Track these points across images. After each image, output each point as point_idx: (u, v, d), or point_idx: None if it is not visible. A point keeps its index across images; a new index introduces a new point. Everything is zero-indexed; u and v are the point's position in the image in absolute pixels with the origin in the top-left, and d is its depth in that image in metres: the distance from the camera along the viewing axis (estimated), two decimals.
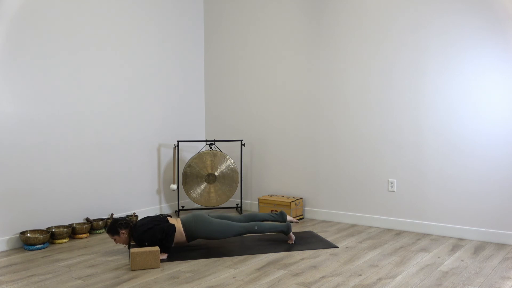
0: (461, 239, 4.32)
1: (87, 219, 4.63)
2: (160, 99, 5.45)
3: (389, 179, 4.75)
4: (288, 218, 4.35)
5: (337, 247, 4.07)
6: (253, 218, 4.21)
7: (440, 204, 4.46)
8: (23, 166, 4.16)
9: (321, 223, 5.00)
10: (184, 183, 5.36)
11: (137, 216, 4.99)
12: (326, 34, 5.07)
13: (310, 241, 4.25)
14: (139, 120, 5.21)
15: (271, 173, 5.54)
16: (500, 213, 4.18)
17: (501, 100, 4.14)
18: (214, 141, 5.42)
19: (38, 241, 4.04)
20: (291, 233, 4.14)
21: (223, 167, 5.42)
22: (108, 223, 4.74)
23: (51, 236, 4.24)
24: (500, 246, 4.09)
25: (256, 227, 4.02)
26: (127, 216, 4.92)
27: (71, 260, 3.75)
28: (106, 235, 4.55)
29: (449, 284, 3.18)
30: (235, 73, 5.77)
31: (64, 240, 4.29)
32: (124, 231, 3.78)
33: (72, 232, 4.43)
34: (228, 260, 3.72)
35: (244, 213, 5.55)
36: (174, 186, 5.33)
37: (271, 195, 5.39)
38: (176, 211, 5.53)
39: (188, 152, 5.84)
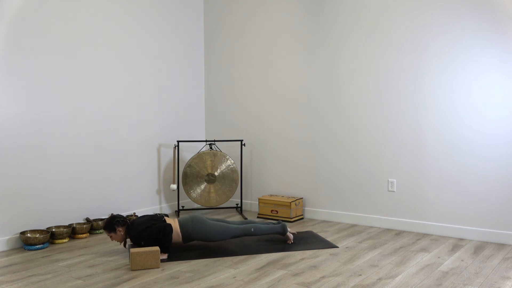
0: (461, 239, 4.32)
1: (87, 219, 4.63)
2: (160, 99, 5.45)
3: (389, 179, 4.75)
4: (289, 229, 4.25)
5: (337, 247, 4.07)
6: (251, 223, 4.14)
7: (440, 204, 4.46)
8: (23, 166, 4.16)
9: (321, 223, 5.00)
10: (184, 183, 5.36)
11: (136, 216, 4.99)
12: (326, 34, 5.07)
13: (310, 241, 4.25)
14: (139, 120, 5.21)
15: (271, 173, 5.54)
16: (500, 213, 4.18)
17: (501, 100, 4.14)
18: (214, 141, 5.42)
19: (38, 241, 4.04)
20: (288, 233, 4.13)
21: (223, 167, 5.42)
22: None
23: (51, 236, 4.24)
24: (500, 246, 4.09)
25: (252, 229, 4.02)
26: (127, 216, 4.92)
27: (71, 260, 3.75)
28: (106, 235, 4.55)
29: (449, 284, 3.18)
30: (235, 73, 5.77)
31: (64, 240, 4.29)
32: (120, 229, 3.78)
33: (72, 232, 4.43)
34: (228, 260, 3.72)
35: (244, 213, 5.55)
36: (174, 186, 5.33)
37: (271, 195, 5.39)
38: (176, 211, 5.53)
39: (188, 152, 5.84)
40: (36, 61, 4.24)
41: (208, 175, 5.40)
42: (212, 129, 6.01)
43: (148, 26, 5.28)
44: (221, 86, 5.90)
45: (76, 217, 4.61)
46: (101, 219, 4.69)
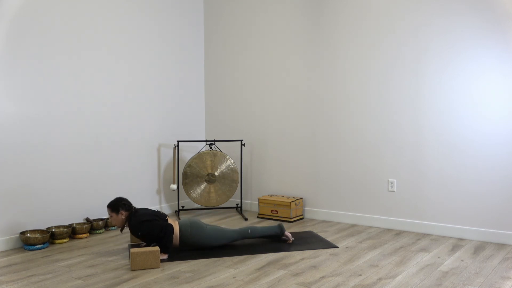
0: (461, 239, 4.32)
1: (87, 219, 4.63)
2: (160, 99, 5.45)
3: (389, 179, 4.75)
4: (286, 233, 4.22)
5: (337, 247, 4.07)
6: (246, 229, 4.13)
7: (440, 204, 4.46)
8: (23, 166, 4.16)
9: (321, 223, 5.00)
10: (184, 183, 5.36)
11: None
12: (326, 34, 5.07)
13: (310, 241, 4.25)
14: (139, 120, 5.21)
15: (271, 173, 5.54)
16: (500, 213, 4.18)
17: (501, 100, 4.14)
18: (214, 141, 5.41)
19: (38, 241, 4.04)
20: (286, 232, 4.14)
21: (223, 167, 5.42)
22: (108, 223, 4.74)
23: (51, 236, 4.24)
24: (500, 246, 4.09)
25: (250, 231, 4.04)
26: None
27: (71, 260, 3.75)
28: (106, 235, 4.55)
29: (449, 284, 3.18)
30: (235, 73, 5.77)
31: (64, 240, 4.29)
32: (123, 212, 3.79)
33: (72, 232, 4.43)
34: (228, 260, 3.72)
35: (244, 213, 5.56)
36: (174, 186, 5.33)
37: (271, 195, 5.39)
38: (176, 211, 5.53)
39: (188, 152, 5.84)
40: (36, 61, 4.24)
41: (208, 175, 5.40)
42: (212, 129, 6.01)
43: (148, 27, 5.28)
44: (221, 86, 5.90)
45: (76, 217, 4.61)
46: (101, 219, 4.69)
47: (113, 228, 4.78)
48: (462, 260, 3.69)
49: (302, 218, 5.24)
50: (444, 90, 4.40)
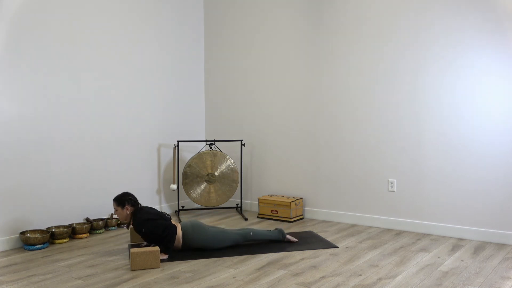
0: (461, 239, 4.32)
1: (87, 219, 4.63)
2: (160, 99, 5.45)
3: (389, 179, 4.75)
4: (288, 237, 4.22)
5: (337, 247, 4.07)
6: (248, 232, 4.13)
7: (440, 204, 4.46)
8: (23, 166, 4.16)
9: (321, 223, 5.00)
10: (184, 183, 5.36)
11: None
12: (327, 35, 5.07)
13: (310, 241, 4.25)
14: (139, 120, 5.21)
15: (271, 173, 5.54)
16: (500, 213, 4.18)
17: (501, 100, 4.14)
18: (214, 141, 5.41)
19: (38, 241, 4.04)
20: (287, 236, 4.15)
21: (223, 167, 5.42)
22: (109, 223, 4.74)
23: (51, 236, 4.24)
24: (500, 246, 4.09)
25: (251, 233, 4.05)
26: None
27: (71, 260, 3.75)
28: (106, 235, 4.55)
29: (449, 284, 3.18)
30: (235, 73, 5.77)
31: (64, 240, 4.29)
32: (129, 207, 3.79)
33: (72, 232, 4.43)
34: (228, 260, 3.72)
35: (244, 213, 5.55)
36: (174, 186, 5.33)
37: (271, 195, 5.39)
38: (176, 211, 5.53)
39: (188, 152, 5.84)
40: (36, 60, 4.24)
41: (208, 175, 5.40)
42: (212, 129, 6.01)
43: (148, 26, 5.28)
44: (221, 86, 5.90)
45: (76, 217, 4.61)
46: (101, 219, 4.69)
47: (113, 228, 4.78)
48: (462, 260, 3.70)
49: (302, 218, 5.24)
50: (445, 91, 4.40)
